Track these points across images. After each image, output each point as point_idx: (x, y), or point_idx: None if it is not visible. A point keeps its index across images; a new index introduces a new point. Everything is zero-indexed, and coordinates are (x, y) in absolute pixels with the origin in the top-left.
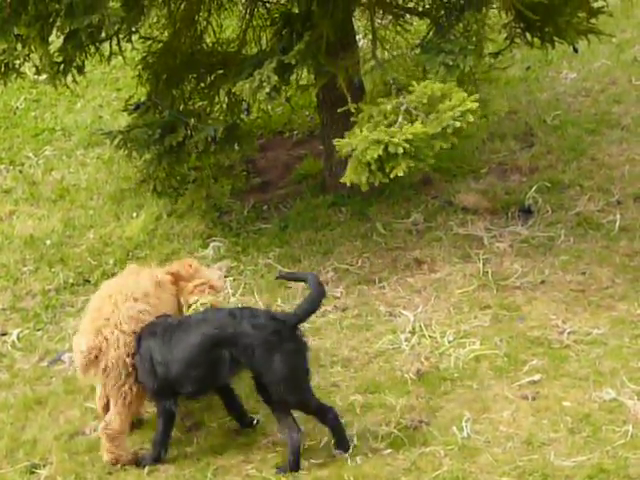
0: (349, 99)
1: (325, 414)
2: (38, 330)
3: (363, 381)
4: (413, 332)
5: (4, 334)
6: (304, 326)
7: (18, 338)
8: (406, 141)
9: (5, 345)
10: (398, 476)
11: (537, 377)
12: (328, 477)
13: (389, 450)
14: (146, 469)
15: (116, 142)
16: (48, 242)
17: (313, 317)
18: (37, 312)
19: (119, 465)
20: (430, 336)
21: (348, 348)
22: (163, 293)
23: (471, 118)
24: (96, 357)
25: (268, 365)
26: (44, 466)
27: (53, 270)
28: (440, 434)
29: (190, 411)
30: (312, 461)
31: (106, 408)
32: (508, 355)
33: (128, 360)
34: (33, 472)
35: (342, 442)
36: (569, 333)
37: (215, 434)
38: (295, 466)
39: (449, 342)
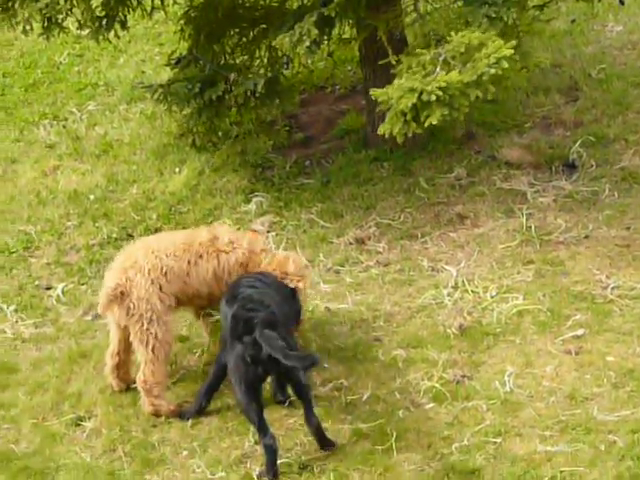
0: (390, 52)
1: None
2: (82, 284)
3: (405, 336)
4: (456, 287)
5: (49, 288)
6: (346, 280)
7: (63, 292)
8: (440, 89)
9: (50, 299)
10: (440, 430)
11: (580, 332)
12: (370, 431)
13: (431, 404)
14: (190, 422)
15: (156, 96)
16: (92, 197)
17: (356, 272)
18: (81, 266)
19: (162, 417)
20: (473, 291)
21: (390, 303)
22: (200, 262)
23: (506, 65)
24: (121, 294)
25: None
26: (89, 418)
27: (97, 225)
28: (483, 389)
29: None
30: (354, 415)
31: (117, 368)
32: (551, 310)
33: (151, 305)
34: (78, 424)
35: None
36: (613, 288)
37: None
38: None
39: (492, 297)
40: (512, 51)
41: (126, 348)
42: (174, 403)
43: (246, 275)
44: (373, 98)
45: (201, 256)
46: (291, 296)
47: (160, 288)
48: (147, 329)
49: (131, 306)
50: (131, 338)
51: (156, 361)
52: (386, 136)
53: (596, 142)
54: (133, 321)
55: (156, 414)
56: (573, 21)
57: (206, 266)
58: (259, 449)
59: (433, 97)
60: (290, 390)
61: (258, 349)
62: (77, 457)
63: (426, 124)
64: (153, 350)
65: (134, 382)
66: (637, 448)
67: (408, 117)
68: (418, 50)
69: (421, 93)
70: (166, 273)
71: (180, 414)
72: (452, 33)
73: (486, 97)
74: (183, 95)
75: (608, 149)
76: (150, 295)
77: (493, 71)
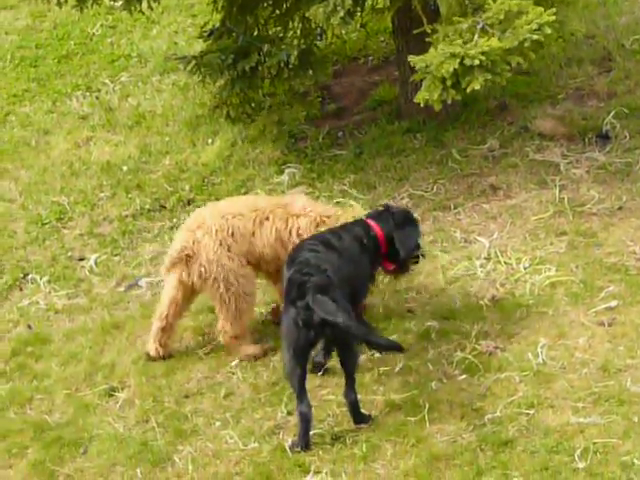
0: (425, 21)
1: None
2: (115, 255)
3: (438, 307)
4: (488, 258)
5: (82, 259)
6: None
7: (96, 263)
8: (482, 54)
9: (83, 270)
10: (473, 401)
11: (613, 303)
12: (402, 402)
13: (464, 376)
14: (222, 393)
15: (190, 67)
16: (125, 168)
17: None
18: (114, 238)
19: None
20: (505, 262)
21: (423, 274)
22: (266, 224)
23: (548, 30)
24: (188, 257)
25: None
26: (122, 389)
27: (130, 196)
28: (515, 360)
29: (267, 335)
30: (387, 386)
31: (162, 331)
32: (584, 281)
33: (222, 267)
34: (112, 395)
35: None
36: None
37: None
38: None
39: (525, 268)
40: (554, 17)
41: (176, 312)
42: (260, 346)
43: (312, 236)
44: (411, 65)
45: (267, 218)
46: (366, 255)
47: (228, 249)
48: (222, 289)
49: (202, 270)
50: (209, 298)
51: (236, 318)
52: (422, 105)
53: (629, 113)
54: (208, 284)
55: (246, 359)
56: None
57: (271, 228)
58: (292, 420)
59: (476, 62)
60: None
61: (310, 314)
62: (110, 427)
63: (468, 89)
64: (234, 307)
65: (170, 355)
66: None
67: (448, 83)
68: (455, 18)
69: (463, 58)
70: (233, 233)
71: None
72: (489, 1)
73: (526, 64)
74: (216, 66)
75: None
76: (219, 257)
77: (536, 37)
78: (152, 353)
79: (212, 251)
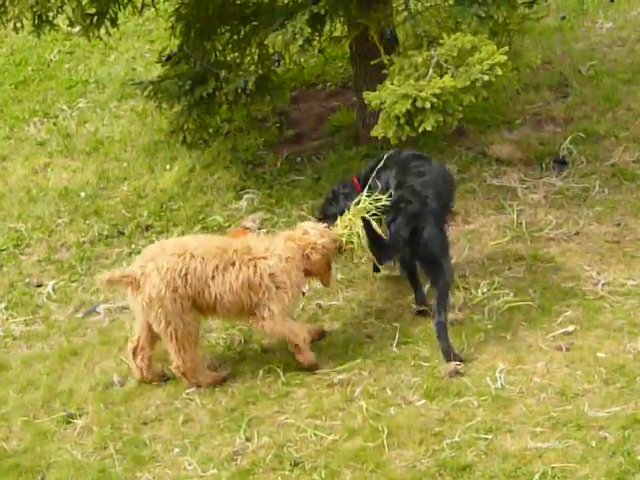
0: (381, 51)
1: None
2: (73, 282)
3: (397, 332)
4: None
5: (40, 285)
6: (337, 277)
7: (53, 290)
8: (434, 95)
9: (41, 296)
10: (432, 426)
11: (571, 328)
12: (362, 428)
13: (423, 401)
14: (181, 419)
15: (147, 93)
16: (82, 194)
17: (347, 269)
18: (72, 264)
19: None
20: (464, 287)
21: (382, 300)
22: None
23: (499, 71)
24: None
25: None
26: (80, 416)
27: (87, 222)
28: (474, 385)
29: (225, 362)
30: (346, 412)
31: (135, 352)
32: (542, 306)
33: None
34: (70, 422)
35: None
36: (603, 284)
37: (250, 385)
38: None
39: (483, 293)
40: (505, 57)
41: (148, 334)
42: (213, 374)
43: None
44: (365, 101)
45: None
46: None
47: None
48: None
49: (144, 304)
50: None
51: (182, 350)
52: (379, 138)
53: (586, 138)
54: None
55: (200, 387)
56: (563, 18)
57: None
58: (250, 446)
59: (427, 104)
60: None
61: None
62: (68, 455)
63: (420, 129)
64: (177, 342)
65: (162, 377)
66: (628, 444)
67: (402, 122)
68: (410, 51)
69: (415, 100)
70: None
71: (223, 379)
72: (444, 35)
73: (478, 100)
74: (174, 92)
75: (598, 145)
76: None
77: (487, 77)
78: (136, 376)
79: (156, 289)
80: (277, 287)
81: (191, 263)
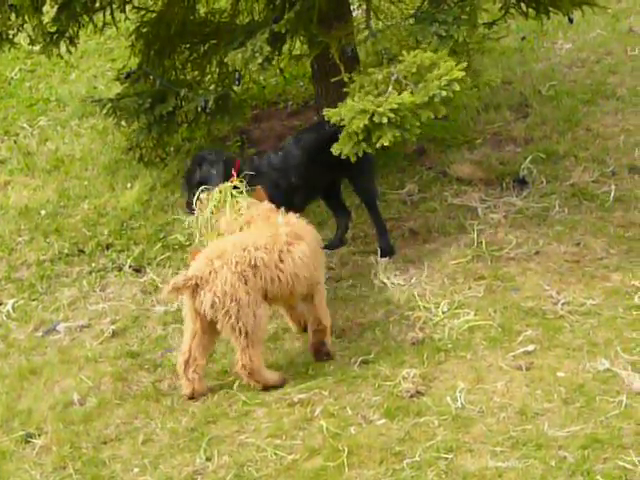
0: (342, 69)
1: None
2: (33, 300)
3: (357, 351)
4: (407, 302)
5: None
6: None
7: (13, 308)
8: (392, 110)
9: (0, 315)
10: (392, 446)
11: (531, 347)
12: (322, 448)
13: (383, 420)
14: (140, 439)
15: (106, 110)
16: (43, 212)
17: None
18: (32, 282)
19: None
20: (424, 307)
21: (342, 318)
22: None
23: (457, 87)
24: (197, 285)
25: None
26: (39, 435)
27: (48, 240)
28: (434, 404)
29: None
30: (306, 431)
31: (187, 364)
32: (502, 326)
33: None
34: (28, 441)
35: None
36: (563, 304)
37: (210, 404)
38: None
39: (443, 312)
40: (463, 73)
41: (198, 345)
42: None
43: None
44: (325, 118)
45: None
46: None
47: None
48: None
49: (216, 300)
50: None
51: (253, 346)
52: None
53: (546, 158)
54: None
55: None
56: (523, 38)
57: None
58: (210, 466)
59: (385, 119)
60: None
61: None
62: (27, 475)
63: (377, 145)
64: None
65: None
66: (587, 464)
67: (360, 137)
68: (370, 69)
69: (373, 115)
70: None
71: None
72: (404, 52)
73: (437, 117)
74: (133, 110)
75: (558, 165)
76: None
77: (445, 93)
78: (186, 392)
79: (228, 283)
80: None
81: (257, 254)
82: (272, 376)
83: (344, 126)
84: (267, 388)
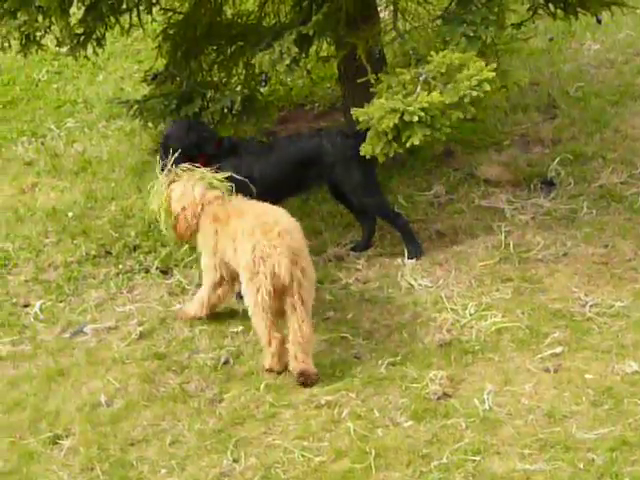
0: (369, 70)
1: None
2: (60, 302)
3: (384, 353)
4: (434, 304)
5: (26, 306)
6: (325, 298)
7: (40, 310)
8: (422, 109)
9: (28, 317)
10: (419, 448)
11: (559, 349)
12: (349, 450)
13: (410, 422)
14: (168, 440)
15: (132, 112)
16: (70, 214)
17: (335, 289)
18: (59, 284)
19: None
20: (452, 309)
21: (369, 320)
22: None
23: (487, 87)
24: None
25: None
26: (67, 437)
27: (75, 242)
28: (462, 406)
29: (212, 383)
30: (333, 433)
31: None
32: (530, 327)
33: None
34: (56, 443)
35: (413, 247)
36: (591, 306)
37: (237, 406)
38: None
39: (471, 314)
40: (493, 73)
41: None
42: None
43: None
44: (354, 117)
45: None
46: None
47: None
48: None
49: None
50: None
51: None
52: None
53: (574, 160)
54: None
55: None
56: (551, 39)
57: None
58: (237, 467)
59: (415, 118)
60: None
61: None
62: (54, 476)
63: (408, 144)
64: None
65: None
66: (615, 466)
67: (389, 137)
68: (398, 69)
69: (403, 114)
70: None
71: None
72: (432, 53)
73: (466, 117)
74: (159, 111)
75: (586, 167)
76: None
77: (475, 93)
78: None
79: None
80: None
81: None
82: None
83: (369, 128)
84: (307, 374)
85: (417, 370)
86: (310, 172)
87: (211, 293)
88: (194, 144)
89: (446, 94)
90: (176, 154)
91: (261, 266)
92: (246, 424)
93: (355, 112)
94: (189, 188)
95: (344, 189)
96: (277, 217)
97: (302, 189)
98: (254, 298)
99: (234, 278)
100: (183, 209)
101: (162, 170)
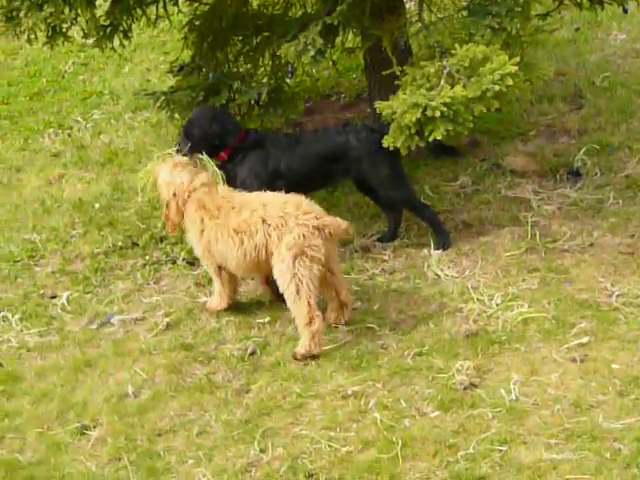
0: (394, 62)
1: (424, 210)
2: (87, 293)
3: (411, 343)
4: (461, 295)
5: (54, 297)
6: (351, 288)
7: (68, 301)
8: (444, 104)
9: (55, 308)
10: (446, 438)
11: (585, 340)
12: (375, 440)
13: (437, 412)
14: (195, 431)
15: (159, 104)
16: (97, 205)
17: (361, 280)
18: (86, 275)
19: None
20: (478, 299)
21: (396, 311)
22: None
23: (510, 81)
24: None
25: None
26: (94, 427)
27: (102, 233)
28: (488, 396)
29: (239, 373)
30: (360, 423)
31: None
32: (556, 318)
33: None
34: (84, 433)
35: (441, 238)
36: (618, 296)
37: (264, 396)
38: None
39: (497, 305)
40: (516, 67)
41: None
42: None
43: None
44: (377, 110)
45: None
46: None
47: None
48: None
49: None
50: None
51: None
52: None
53: (600, 150)
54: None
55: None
56: (577, 30)
57: None
58: (264, 457)
59: (437, 113)
60: None
61: None
62: (82, 466)
63: (430, 139)
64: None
65: None
66: None
67: (412, 131)
68: (422, 62)
69: (425, 108)
70: None
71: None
72: (457, 46)
73: (490, 110)
74: (186, 103)
75: (612, 157)
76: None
77: (497, 87)
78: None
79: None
80: None
81: None
82: None
83: (393, 120)
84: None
85: (443, 360)
86: (336, 167)
87: (222, 280)
88: (216, 134)
89: (469, 88)
90: (190, 144)
91: (308, 241)
92: (273, 414)
93: (379, 105)
94: (176, 174)
95: (371, 183)
96: (289, 200)
97: (328, 183)
98: (302, 273)
99: None
100: (174, 195)
101: (177, 153)
